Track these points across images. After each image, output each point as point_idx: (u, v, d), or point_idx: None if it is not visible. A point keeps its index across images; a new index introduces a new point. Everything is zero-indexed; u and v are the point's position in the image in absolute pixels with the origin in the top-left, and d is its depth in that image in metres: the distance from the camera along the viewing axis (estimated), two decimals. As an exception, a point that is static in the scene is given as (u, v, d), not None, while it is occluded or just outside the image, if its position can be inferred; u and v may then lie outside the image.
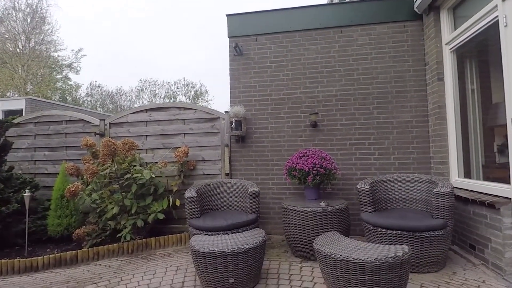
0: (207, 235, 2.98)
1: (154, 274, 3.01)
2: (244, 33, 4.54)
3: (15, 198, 3.68)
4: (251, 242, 2.54)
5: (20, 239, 3.75)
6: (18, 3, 20.59)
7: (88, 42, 38.04)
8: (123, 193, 3.89)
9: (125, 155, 3.94)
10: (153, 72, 41.59)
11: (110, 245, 3.67)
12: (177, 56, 40.66)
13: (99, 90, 27.13)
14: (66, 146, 4.77)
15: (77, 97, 26.00)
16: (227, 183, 3.97)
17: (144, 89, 28.27)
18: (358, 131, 4.15)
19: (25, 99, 7.86)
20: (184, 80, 28.79)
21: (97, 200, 3.96)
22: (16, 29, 20.51)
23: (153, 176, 3.95)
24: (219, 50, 31.17)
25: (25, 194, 3.52)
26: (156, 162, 4.36)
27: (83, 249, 3.54)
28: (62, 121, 4.83)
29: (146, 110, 4.74)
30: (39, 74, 21.54)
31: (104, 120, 4.78)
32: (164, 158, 4.46)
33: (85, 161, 4.14)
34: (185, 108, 4.65)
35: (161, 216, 3.88)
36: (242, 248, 2.46)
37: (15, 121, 4.60)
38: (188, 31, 42.39)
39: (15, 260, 3.21)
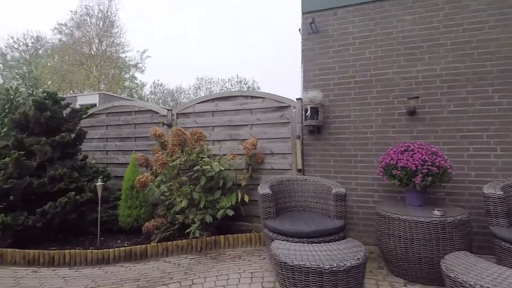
0: (288, 241, 2.51)
1: (227, 280, 2.65)
2: (321, 7, 3.93)
3: (88, 187, 3.68)
4: (351, 258, 1.99)
5: (93, 227, 3.76)
6: (92, 9, 22.82)
7: (151, 42, 40.78)
8: (191, 186, 3.66)
9: (193, 146, 3.69)
10: (209, 70, 43.07)
11: (179, 241, 3.45)
12: (230, 54, 41.40)
13: (161, 88, 28.91)
14: (135, 137, 4.76)
15: (142, 95, 28.05)
16: (302, 181, 3.45)
17: (201, 86, 29.34)
18: (472, 120, 3.26)
19: (98, 94, 8.42)
20: (238, 77, 29.08)
21: (166, 192, 3.79)
22: (91, 33, 22.80)
23: (222, 168, 3.63)
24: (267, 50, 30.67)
25: (97, 184, 3.47)
26: (225, 154, 4.05)
27: (152, 244, 3.37)
28: (131, 111, 4.83)
29: (213, 100, 4.46)
30: (110, 74, 23.69)
31: (171, 110, 4.64)
32: (232, 150, 4.12)
33: (154, 152, 4.02)
34: (252, 97, 4.24)
35: (230, 212, 3.54)
36: (343, 266, 1.92)
37: (89, 111, 4.72)
38: (240, 30, 42.80)
39: (88, 251, 3.15)
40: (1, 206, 3.27)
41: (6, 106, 4.84)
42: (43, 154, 3.37)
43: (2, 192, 3.11)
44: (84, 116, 3.95)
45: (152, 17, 40.57)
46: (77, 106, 9.70)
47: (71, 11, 25.86)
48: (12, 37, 23.77)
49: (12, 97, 4.93)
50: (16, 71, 21.83)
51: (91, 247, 3.34)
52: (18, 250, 3.08)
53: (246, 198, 3.79)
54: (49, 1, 34.61)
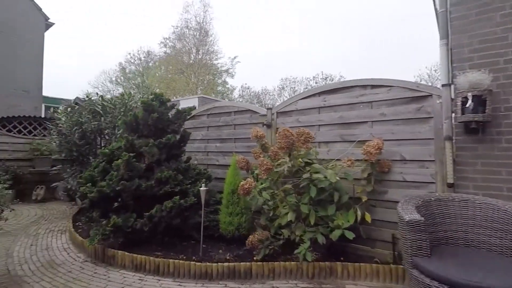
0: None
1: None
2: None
3: (192, 190, 3.49)
4: None
5: (195, 232, 3.56)
6: (190, 22, 25.17)
7: (240, 47, 42.85)
8: (297, 196, 3.06)
9: (299, 149, 3.08)
10: (292, 70, 42.66)
11: (287, 263, 2.89)
12: (311, 51, 39.94)
13: (248, 91, 29.93)
14: (235, 138, 4.48)
15: (232, 99, 29.59)
16: (462, 202, 2.42)
17: (285, 87, 29.10)
18: None
19: (197, 97, 8.81)
20: (322, 74, 27.59)
21: (268, 200, 3.31)
22: (189, 44, 25.15)
23: (338, 179, 2.91)
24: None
25: (201, 189, 3.22)
26: (335, 159, 3.32)
27: (257, 263, 2.90)
28: (230, 112, 4.57)
29: (319, 93, 3.77)
30: (206, 80, 25.71)
31: (270, 109, 4.17)
32: (346, 154, 3.35)
33: (255, 155, 3.59)
34: (373, 86, 3.36)
35: (350, 235, 2.81)
36: None
37: (192, 112, 4.67)
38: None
39: (191, 263, 2.89)
40: (113, 207, 3.35)
41: (122, 110, 5.25)
42: (151, 156, 3.32)
43: (114, 194, 3.14)
44: (188, 117, 3.84)
45: (241, 22, 42.62)
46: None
47: (173, 26, 29.22)
48: (129, 53, 28.27)
49: (126, 101, 5.34)
50: (133, 82, 25.93)
51: (194, 257, 3.09)
52: (128, 253, 3.05)
53: (368, 218, 2.98)
54: (157, 19, 40.28)
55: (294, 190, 3.14)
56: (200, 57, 25.64)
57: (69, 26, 43.13)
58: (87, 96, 5.75)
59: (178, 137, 3.72)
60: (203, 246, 3.43)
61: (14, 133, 7.03)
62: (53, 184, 6.47)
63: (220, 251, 3.38)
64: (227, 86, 28.56)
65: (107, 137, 5.56)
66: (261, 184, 3.47)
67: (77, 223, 4.44)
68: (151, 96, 3.63)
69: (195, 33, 25.39)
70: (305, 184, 2.98)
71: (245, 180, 3.09)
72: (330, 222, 2.97)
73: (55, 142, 5.77)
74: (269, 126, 4.09)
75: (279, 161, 3.12)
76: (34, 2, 9.85)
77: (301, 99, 3.93)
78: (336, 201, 3.03)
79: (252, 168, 3.73)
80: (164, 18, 42.27)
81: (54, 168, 6.96)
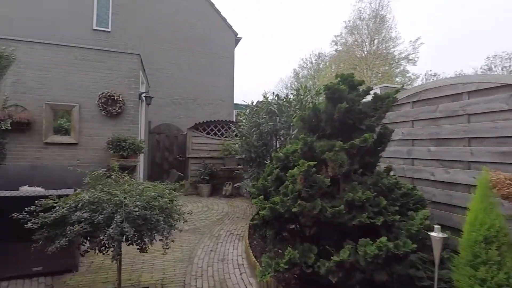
0: None
1: None
2: None
3: (403, 226, 2.12)
4: None
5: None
6: (363, 11, 22.89)
7: (420, 26, 35.39)
8: None
9: None
10: (502, 44, 30.40)
11: None
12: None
13: (435, 79, 23.91)
14: (469, 138, 2.67)
15: (414, 89, 24.69)
16: None
17: (494, 67, 21.10)
18: None
19: (379, 87, 7.10)
20: None
21: None
22: (362, 36, 22.93)
23: None
24: None
25: (433, 235, 1.82)
26: None
27: None
28: (460, 93, 2.78)
29: None
30: (380, 72, 22.68)
31: None
32: None
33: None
34: None
35: None
36: None
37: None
38: None
39: None
40: (284, 234, 2.53)
41: (297, 107, 4.58)
42: (338, 166, 2.24)
43: (288, 214, 2.28)
44: (393, 104, 2.48)
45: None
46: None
47: (344, 21, 27.87)
48: (302, 59, 29.48)
49: (301, 96, 4.63)
50: (306, 84, 26.93)
51: None
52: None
53: None
54: (328, 20, 40.28)
55: None
56: (374, 47, 22.91)
57: (249, 38, 50.68)
58: (264, 97, 5.57)
59: (375, 136, 2.45)
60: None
61: (211, 135, 8.16)
62: (236, 185, 6.89)
63: None
64: (407, 75, 24.05)
65: (282, 138, 5.16)
66: None
67: (252, 231, 4.13)
68: (336, 79, 2.57)
69: (368, 23, 22.94)
70: None
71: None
72: None
73: (237, 143, 5.97)
74: None
75: None
76: (226, 20, 11.48)
77: None
78: None
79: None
80: (335, 17, 41.61)
81: (240, 166, 7.50)
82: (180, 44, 10.85)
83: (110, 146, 5.53)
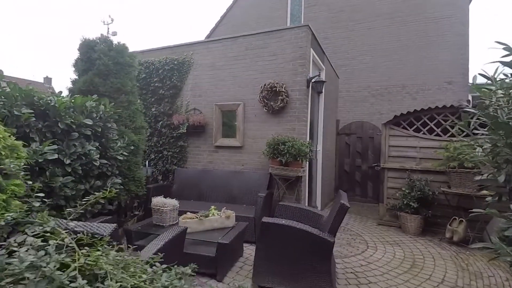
0: None
1: None
2: None
3: None
4: None
5: None
6: None
7: None
8: None
9: None
10: None
11: None
12: None
13: None
14: None
15: None
16: None
17: None
18: None
19: None
20: None
21: None
22: None
23: None
24: None
25: None
26: None
27: None
28: None
29: None
30: None
31: None
32: None
33: None
34: None
35: None
36: None
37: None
38: None
39: None
40: None
41: None
42: None
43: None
44: None
45: None
46: None
47: None
48: None
49: None
50: None
51: None
52: None
53: None
54: None
55: None
56: None
57: None
58: None
59: None
60: None
61: (424, 132, 5.04)
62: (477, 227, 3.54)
63: None
64: None
65: None
66: None
67: None
68: None
69: None
70: None
71: None
72: None
73: (479, 145, 2.83)
74: None
75: None
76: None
77: None
78: None
79: None
80: None
81: (484, 192, 3.99)
82: (381, 18, 8.29)
83: (268, 150, 4.30)
